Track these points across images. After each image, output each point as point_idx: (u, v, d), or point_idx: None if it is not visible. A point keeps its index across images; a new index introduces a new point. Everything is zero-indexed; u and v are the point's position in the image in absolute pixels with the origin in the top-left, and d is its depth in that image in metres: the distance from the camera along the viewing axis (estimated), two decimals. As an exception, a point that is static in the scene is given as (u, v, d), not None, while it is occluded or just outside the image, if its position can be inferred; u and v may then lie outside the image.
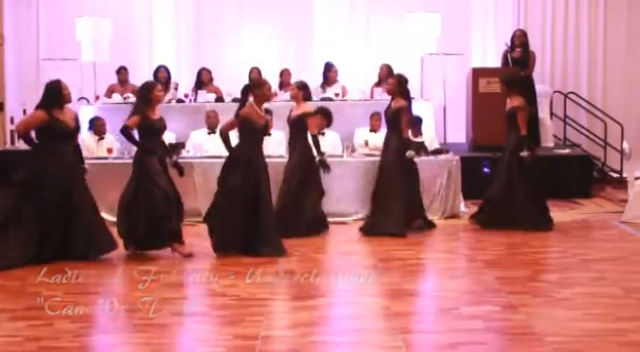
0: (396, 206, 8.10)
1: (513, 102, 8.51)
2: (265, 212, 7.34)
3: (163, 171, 7.41)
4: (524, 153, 8.27)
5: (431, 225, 8.49)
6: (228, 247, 7.33)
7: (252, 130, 7.31)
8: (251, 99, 7.38)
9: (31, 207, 7.12)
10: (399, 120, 8.25)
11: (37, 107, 7.27)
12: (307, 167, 8.30)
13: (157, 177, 7.31)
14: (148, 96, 7.39)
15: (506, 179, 8.43)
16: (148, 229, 7.28)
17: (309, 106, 8.49)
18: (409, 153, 8.25)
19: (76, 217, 7.22)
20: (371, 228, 8.25)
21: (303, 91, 8.47)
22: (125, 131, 7.37)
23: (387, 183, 8.22)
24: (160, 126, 7.49)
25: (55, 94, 7.24)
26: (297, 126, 8.37)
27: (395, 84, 8.41)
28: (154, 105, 7.44)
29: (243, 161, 7.31)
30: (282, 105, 10.61)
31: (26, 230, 7.11)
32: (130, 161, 8.60)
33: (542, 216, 8.43)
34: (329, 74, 11.27)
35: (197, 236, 8.19)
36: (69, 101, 7.39)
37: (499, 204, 8.42)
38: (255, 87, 7.42)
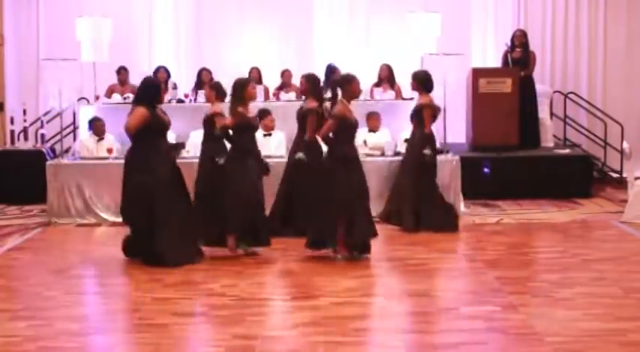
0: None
1: (421, 99, 8.46)
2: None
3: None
4: (427, 151, 8.16)
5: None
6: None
7: (349, 127, 7.12)
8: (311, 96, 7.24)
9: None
10: (305, 122, 8.17)
11: (137, 103, 7.12)
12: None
13: (252, 176, 7.20)
14: (241, 93, 7.27)
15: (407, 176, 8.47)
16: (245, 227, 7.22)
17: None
18: (300, 155, 8.18)
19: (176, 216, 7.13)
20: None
21: (309, 85, 8.32)
22: (224, 131, 7.26)
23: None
24: (256, 125, 7.39)
25: (154, 90, 7.14)
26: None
27: (305, 84, 8.37)
28: (248, 103, 7.33)
29: (354, 158, 7.15)
30: (282, 105, 10.62)
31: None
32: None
33: (447, 217, 8.41)
34: (332, 77, 11.24)
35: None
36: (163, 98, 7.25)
37: (398, 201, 8.50)
38: (345, 82, 7.18)
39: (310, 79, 8.37)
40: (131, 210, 7.05)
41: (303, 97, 8.62)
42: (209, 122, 8.21)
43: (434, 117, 8.39)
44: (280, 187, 8.44)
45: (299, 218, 7.97)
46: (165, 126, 7.17)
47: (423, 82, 8.47)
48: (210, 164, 8.00)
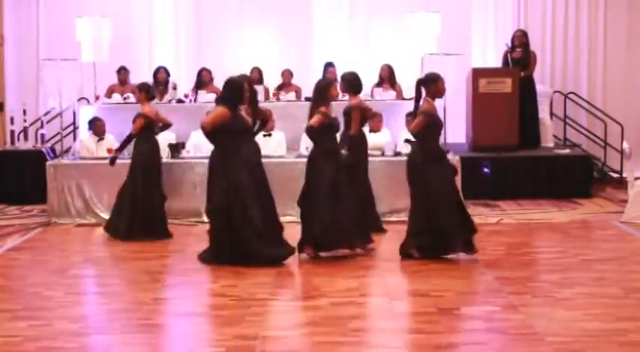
0: None
1: (351, 100, 8.45)
2: None
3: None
4: (344, 151, 8.11)
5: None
6: None
7: (436, 125, 7.12)
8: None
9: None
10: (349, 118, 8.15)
11: (219, 103, 7.09)
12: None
13: (334, 175, 7.12)
14: (324, 94, 7.26)
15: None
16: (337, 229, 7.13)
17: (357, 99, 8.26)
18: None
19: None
20: None
21: (344, 83, 8.30)
22: (311, 131, 7.21)
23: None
24: (338, 125, 7.36)
25: (238, 91, 7.05)
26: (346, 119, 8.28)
27: (341, 83, 8.38)
28: (330, 103, 7.30)
29: (442, 155, 7.17)
30: (282, 105, 10.63)
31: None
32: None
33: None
34: (326, 75, 11.28)
35: (196, 236, 8.21)
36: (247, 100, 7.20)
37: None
38: (430, 81, 7.15)
39: (346, 78, 8.34)
40: (216, 211, 6.97)
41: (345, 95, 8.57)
42: (133, 121, 8.35)
43: (364, 119, 8.30)
44: None
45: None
46: (247, 127, 7.09)
47: (351, 83, 8.44)
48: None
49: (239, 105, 7.03)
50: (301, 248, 7.17)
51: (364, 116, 8.16)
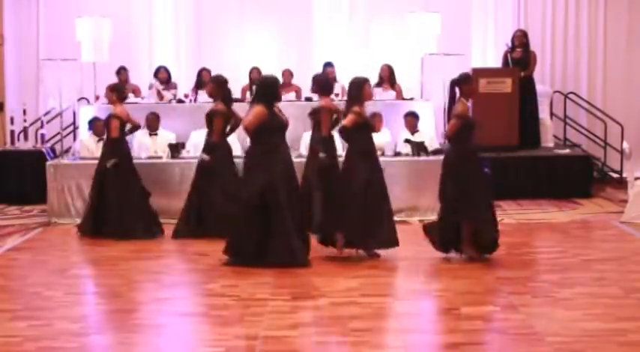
0: None
1: (320, 102, 8.45)
2: None
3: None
4: (322, 154, 8.04)
5: None
6: None
7: (470, 126, 7.13)
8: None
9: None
10: (212, 123, 8.27)
11: (256, 102, 7.05)
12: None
13: (368, 175, 7.11)
14: (358, 93, 7.25)
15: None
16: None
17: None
18: (204, 156, 8.24)
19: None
20: None
21: (314, 84, 8.46)
22: (345, 131, 7.19)
23: None
24: (373, 124, 7.28)
25: (273, 89, 7.08)
26: None
27: (214, 87, 8.40)
28: (364, 103, 7.30)
29: (476, 155, 7.18)
30: (282, 105, 10.59)
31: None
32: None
33: None
34: (326, 71, 11.27)
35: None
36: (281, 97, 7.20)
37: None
38: (464, 82, 7.16)
39: (316, 80, 8.38)
40: (246, 205, 6.92)
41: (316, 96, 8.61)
42: (107, 124, 8.36)
43: (336, 121, 8.26)
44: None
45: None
46: (283, 125, 7.07)
47: (321, 84, 8.48)
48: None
49: (275, 103, 7.05)
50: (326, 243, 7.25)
51: (337, 118, 8.18)
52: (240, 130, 8.11)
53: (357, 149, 7.19)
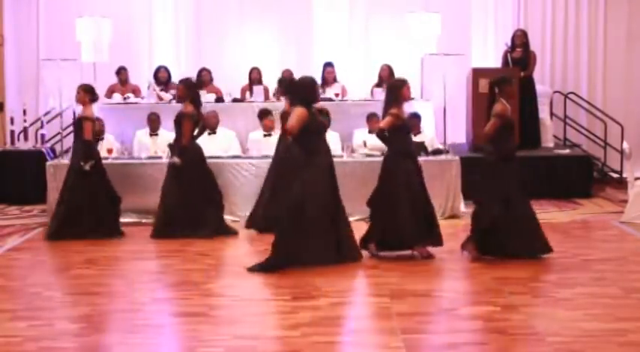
0: None
1: (286, 105, 8.48)
2: None
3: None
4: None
5: None
6: None
7: (509, 126, 7.13)
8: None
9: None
10: (181, 126, 8.30)
11: (295, 103, 7.01)
12: None
13: (409, 179, 7.09)
14: (396, 94, 7.18)
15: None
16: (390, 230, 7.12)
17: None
18: (174, 159, 8.26)
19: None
20: None
21: (280, 86, 8.71)
22: (381, 134, 7.14)
23: None
24: (412, 126, 7.23)
25: (312, 90, 7.02)
26: None
27: (183, 89, 8.40)
28: (402, 104, 7.24)
29: (515, 155, 7.18)
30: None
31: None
32: (130, 161, 8.62)
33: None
34: (324, 74, 11.29)
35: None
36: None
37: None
38: (504, 82, 7.14)
39: (283, 82, 8.48)
40: (292, 206, 6.86)
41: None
42: (79, 125, 8.30)
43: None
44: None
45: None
46: (323, 126, 7.05)
47: (287, 87, 8.57)
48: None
49: (314, 104, 7.01)
50: (365, 245, 7.19)
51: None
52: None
53: (395, 150, 7.15)
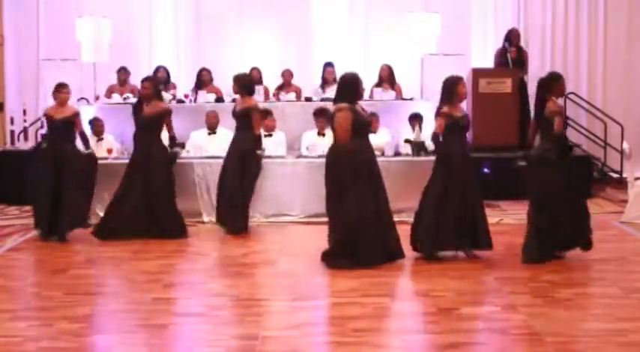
0: None
1: (246, 102, 8.52)
2: None
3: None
4: (259, 151, 8.46)
5: None
6: None
7: (565, 123, 7.16)
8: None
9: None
10: (162, 123, 8.43)
11: (339, 101, 6.83)
12: None
13: (459, 176, 7.04)
14: (452, 91, 7.12)
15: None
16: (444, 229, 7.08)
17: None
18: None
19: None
20: None
21: (236, 84, 8.70)
22: (436, 139, 7.09)
23: None
24: (464, 125, 7.20)
25: (355, 87, 6.88)
26: None
27: (150, 88, 8.42)
28: (456, 103, 7.19)
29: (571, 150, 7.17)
30: (282, 105, 10.63)
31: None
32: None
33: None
34: (324, 74, 11.30)
35: (196, 236, 8.22)
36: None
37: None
38: (554, 81, 7.13)
39: (239, 79, 8.59)
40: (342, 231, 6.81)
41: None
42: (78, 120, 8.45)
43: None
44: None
45: None
46: (366, 124, 6.94)
47: (244, 84, 8.60)
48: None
49: (357, 101, 6.91)
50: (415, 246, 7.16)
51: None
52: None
53: (448, 150, 7.08)
